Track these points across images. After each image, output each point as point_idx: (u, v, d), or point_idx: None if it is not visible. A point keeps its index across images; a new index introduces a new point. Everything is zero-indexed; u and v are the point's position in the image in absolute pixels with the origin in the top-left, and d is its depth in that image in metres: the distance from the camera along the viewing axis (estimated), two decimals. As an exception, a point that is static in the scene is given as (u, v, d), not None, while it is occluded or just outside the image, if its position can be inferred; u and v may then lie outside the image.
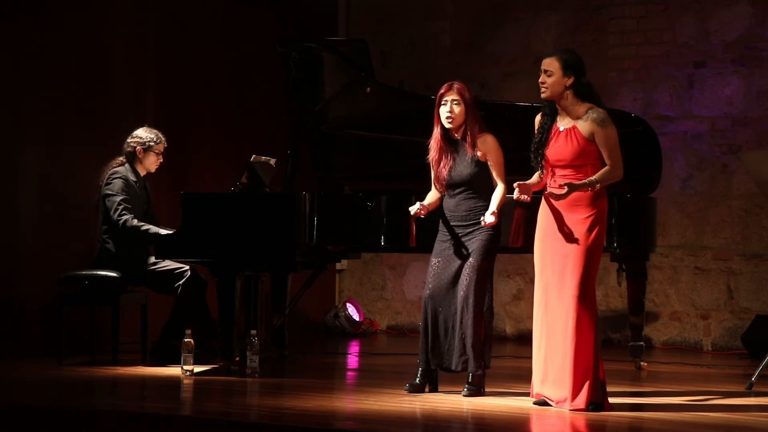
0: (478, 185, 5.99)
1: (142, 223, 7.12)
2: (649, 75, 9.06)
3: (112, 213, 7.13)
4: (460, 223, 6.02)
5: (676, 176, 8.90)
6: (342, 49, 7.33)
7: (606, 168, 5.54)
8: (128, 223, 7.10)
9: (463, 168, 6.00)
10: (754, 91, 8.70)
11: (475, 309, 5.90)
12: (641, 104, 9.02)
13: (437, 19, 9.93)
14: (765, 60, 8.66)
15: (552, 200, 5.60)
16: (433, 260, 6.08)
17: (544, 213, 5.67)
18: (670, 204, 8.86)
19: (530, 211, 6.22)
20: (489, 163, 5.98)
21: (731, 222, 8.79)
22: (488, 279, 5.98)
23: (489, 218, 5.85)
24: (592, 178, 5.51)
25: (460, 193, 6.02)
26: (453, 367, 5.99)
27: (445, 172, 6.03)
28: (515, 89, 9.46)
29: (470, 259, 5.94)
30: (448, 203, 6.07)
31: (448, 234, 6.03)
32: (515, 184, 5.60)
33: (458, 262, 5.97)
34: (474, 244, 5.96)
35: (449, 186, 6.05)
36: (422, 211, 6.04)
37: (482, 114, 7.15)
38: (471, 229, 5.98)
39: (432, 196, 6.16)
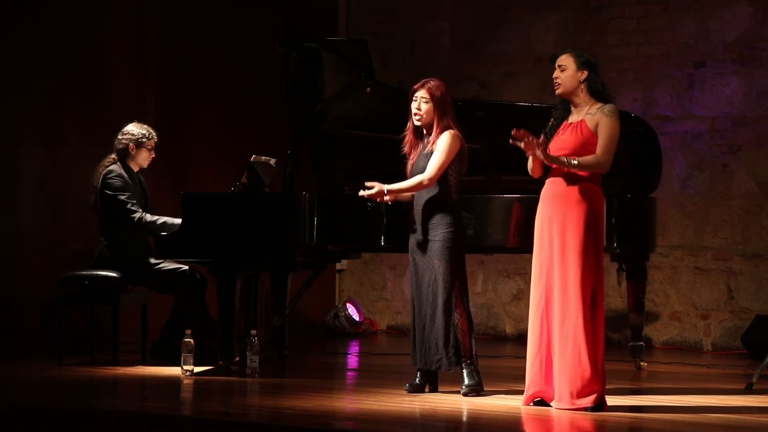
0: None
1: (157, 217, 7.13)
2: (649, 75, 9.06)
3: (123, 213, 7.12)
4: (420, 218, 6.03)
5: (676, 176, 8.90)
6: (342, 49, 7.33)
7: (593, 155, 5.51)
8: (144, 220, 7.11)
9: (420, 160, 6.03)
10: (754, 91, 8.70)
11: (445, 308, 5.92)
12: (641, 104, 9.02)
13: (437, 19, 9.93)
14: (765, 60, 8.66)
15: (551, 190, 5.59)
16: (410, 258, 6.11)
17: (540, 212, 5.67)
18: (670, 204, 8.86)
19: (528, 211, 6.22)
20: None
21: (731, 222, 8.79)
22: (458, 277, 5.97)
23: (366, 191, 5.94)
24: (573, 159, 5.49)
25: None
26: (428, 366, 6.01)
27: (409, 165, 6.09)
28: (515, 89, 9.46)
29: (435, 260, 5.95)
30: (414, 198, 6.10)
31: (415, 229, 6.05)
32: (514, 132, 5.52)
33: (428, 260, 5.99)
34: (436, 244, 5.96)
35: (411, 177, 6.09)
36: (388, 196, 6.03)
37: (482, 114, 7.16)
38: (428, 226, 5.98)
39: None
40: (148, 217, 7.13)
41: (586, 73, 5.60)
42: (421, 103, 6.02)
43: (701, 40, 8.88)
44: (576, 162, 5.49)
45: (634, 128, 7.32)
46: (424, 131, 6.08)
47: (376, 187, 5.98)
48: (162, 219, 7.12)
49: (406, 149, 6.14)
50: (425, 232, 5.99)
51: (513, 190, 6.96)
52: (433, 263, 5.96)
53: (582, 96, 5.62)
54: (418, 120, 6.04)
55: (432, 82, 6.04)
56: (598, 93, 5.61)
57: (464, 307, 6.00)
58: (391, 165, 7.37)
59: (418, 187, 5.97)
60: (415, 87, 6.07)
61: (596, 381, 5.44)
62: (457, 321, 5.97)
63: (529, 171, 5.70)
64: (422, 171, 6.00)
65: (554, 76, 5.64)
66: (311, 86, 7.34)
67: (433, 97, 6.00)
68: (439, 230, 5.97)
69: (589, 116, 5.57)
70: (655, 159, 7.37)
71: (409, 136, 6.12)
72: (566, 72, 5.61)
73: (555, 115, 5.70)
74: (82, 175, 7.71)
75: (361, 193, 6.01)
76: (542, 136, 5.59)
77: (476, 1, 9.81)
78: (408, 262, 6.17)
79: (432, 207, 5.98)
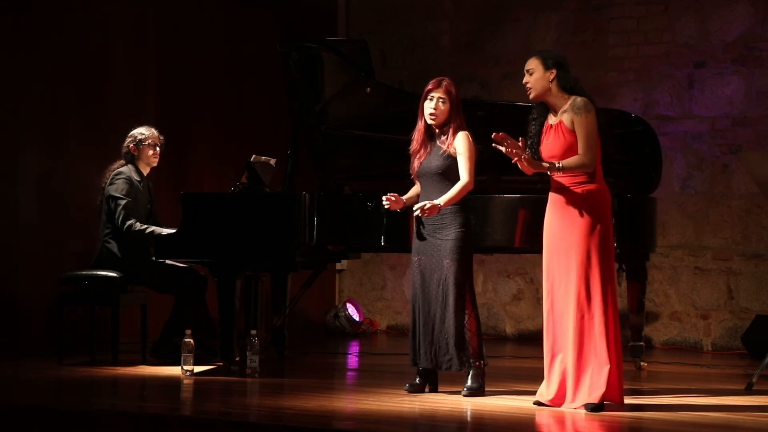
0: (447, 180, 5.96)
1: (146, 226, 7.13)
2: (649, 75, 9.06)
3: (116, 216, 7.13)
4: (429, 219, 6.00)
5: (676, 176, 8.90)
6: (342, 49, 7.33)
7: (577, 156, 5.51)
8: (133, 228, 7.10)
9: (433, 160, 6.00)
10: (754, 91, 8.70)
11: (456, 308, 5.91)
12: (641, 104, 9.02)
13: (437, 19, 9.93)
14: (765, 60, 8.66)
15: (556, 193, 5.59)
16: (414, 258, 6.08)
17: (548, 216, 5.66)
18: (670, 204, 8.86)
19: (534, 212, 6.21)
20: (457, 157, 5.97)
21: (731, 222, 8.79)
22: (468, 278, 5.97)
23: (420, 210, 5.86)
24: (557, 163, 5.49)
25: (428, 186, 6.02)
26: (438, 367, 6.00)
27: (417, 163, 6.06)
28: (515, 89, 9.39)
29: (446, 259, 5.93)
30: (421, 197, 6.07)
31: (423, 229, 6.04)
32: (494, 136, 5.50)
33: (436, 260, 5.97)
34: (447, 243, 5.95)
35: (419, 177, 6.08)
36: (398, 204, 6.03)
37: (482, 114, 7.16)
38: (440, 225, 5.97)
39: (413, 190, 6.18)
40: (138, 225, 7.12)
41: (554, 72, 5.60)
42: (438, 103, 5.99)
43: (701, 40, 8.88)
44: (560, 165, 5.49)
45: (634, 128, 7.32)
46: (436, 131, 6.07)
47: (428, 204, 5.86)
48: (151, 228, 7.11)
49: (413, 147, 6.09)
50: (435, 231, 5.98)
51: (513, 190, 6.96)
52: (443, 263, 5.94)
53: (555, 95, 5.62)
54: (432, 119, 6.01)
55: (446, 81, 6.02)
56: (570, 89, 5.61)
57: (473, 307, 5.99)
58: (392, 165, 7.40)
59: (464, 192, 5.93)
60: (430, 87, 6.03)
61: (603, 382, 5.42)
62: (466, 321, 5.96)
63: (521, 168, 5.69)
64: (436, 171, 5.97)
65: (524, 81, 5.64)
66: (311, 86, 7.33)
67: (450, 97, 5.99)
68: (450, 230, 5.95)
69: (565, 115, 5.57)
70: (655, 159, 7.37)
71: (420, 135, 6.08)
72: (534, 75, 5.62)
73: (534, 120, 5.69)
74: (83, 175, 7.72)
75: (416, 213, 5.90)
76: (521, 139, 5.54)
77: (476, 1, 9.80)
78: (410, 263, 6.14)
79: (443, 207, 5.97)
